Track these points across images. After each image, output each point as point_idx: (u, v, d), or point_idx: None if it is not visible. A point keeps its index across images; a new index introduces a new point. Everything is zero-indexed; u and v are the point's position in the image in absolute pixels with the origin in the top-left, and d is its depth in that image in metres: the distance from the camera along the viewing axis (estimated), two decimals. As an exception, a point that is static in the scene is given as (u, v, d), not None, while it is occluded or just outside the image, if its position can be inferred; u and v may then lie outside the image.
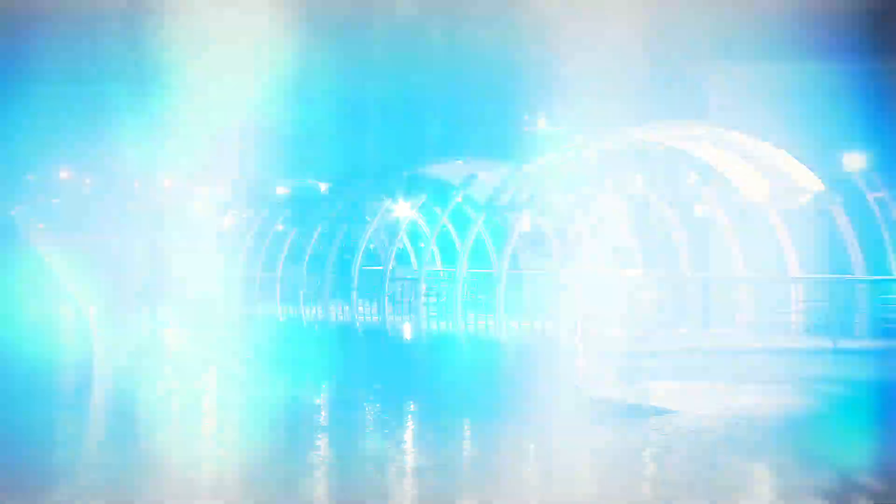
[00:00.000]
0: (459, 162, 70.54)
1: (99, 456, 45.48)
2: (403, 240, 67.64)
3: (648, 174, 68.33)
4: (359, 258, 68.04)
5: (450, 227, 63.54)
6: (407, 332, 59.45)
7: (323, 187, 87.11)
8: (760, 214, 59.33)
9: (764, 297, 56.58)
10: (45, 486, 38.67)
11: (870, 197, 54.25)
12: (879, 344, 48.92)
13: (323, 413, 55.82)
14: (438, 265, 62.55)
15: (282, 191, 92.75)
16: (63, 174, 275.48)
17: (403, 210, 66.94)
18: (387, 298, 63.58)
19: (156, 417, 54.13)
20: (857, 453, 42.75)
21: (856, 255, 54.32)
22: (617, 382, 47.65)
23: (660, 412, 47.03)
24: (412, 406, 53.28)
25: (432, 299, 58.96)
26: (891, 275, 52.28)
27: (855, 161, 54.73)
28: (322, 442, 49.31)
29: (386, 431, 50.52)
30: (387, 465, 44.50)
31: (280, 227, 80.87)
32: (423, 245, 65.90)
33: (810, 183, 55.87)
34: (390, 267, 65.17)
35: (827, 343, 48.48)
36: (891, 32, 72.49)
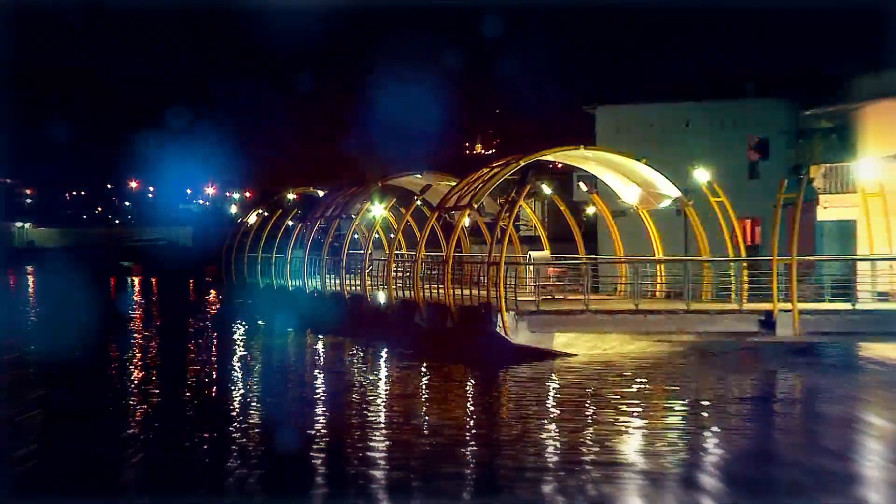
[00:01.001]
0: (418, 175, 70.99)
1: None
2: (378, 231, 67.86)
3: (554, 183, 69.06)
4: (346, 245, 68.42)
5: (412, 222, 63.83)
6: (381, 298, 59.85)
7: (321, 193, 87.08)
8: (633, 213, 59.83)
9: (637, 272, 56.78)
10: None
11: (712, 200, 54.66)
12: (717, 307, 49.29)
13: (309, 339, 56.94)
14: (404, 250, 62.75)
15: (291, 196, 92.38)
16: (134, 183, 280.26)
17: (378, 210, 67.30)
18: (367, 274, 63.98)
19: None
20: (689, 380, 43.79)
21: (703, 242, 54.73)
22: (532, 334, 48.17)
23: (561, 355, 47.88)
24: (383, 350, 53.71)
25: (399, 274, 59.28)
26: (727, 256, 52.73)
27: (702, 175, 54.99)
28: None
29: (362, 366, 51.72)
30: (359, 387, 45.47)
31: (290, 223, 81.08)
32: (392, 235, 66.07)
33: (670, 190, 56.21)
34: (368, 251, 65.63)
35: (682, 306, 48.76)
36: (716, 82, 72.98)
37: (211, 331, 72.55)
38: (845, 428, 36.23)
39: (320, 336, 61.79)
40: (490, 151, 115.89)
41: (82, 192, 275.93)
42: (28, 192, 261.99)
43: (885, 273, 49.95)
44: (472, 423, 38.22)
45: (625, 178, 59.17)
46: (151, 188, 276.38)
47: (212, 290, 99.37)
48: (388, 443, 34.36)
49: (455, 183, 62.02)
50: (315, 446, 33.67)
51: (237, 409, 41.04)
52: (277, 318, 72.00)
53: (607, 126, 67.30)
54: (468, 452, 32.68)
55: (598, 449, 33.04)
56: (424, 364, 49.16)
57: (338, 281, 68.16)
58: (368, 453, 32.78)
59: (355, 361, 53.86)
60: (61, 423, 37.99)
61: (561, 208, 68.48)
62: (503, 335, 47.72)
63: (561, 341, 48.69)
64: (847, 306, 48.34)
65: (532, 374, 44.83)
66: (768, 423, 37.42)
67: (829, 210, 59.75)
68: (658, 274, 56.58)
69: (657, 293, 55.61)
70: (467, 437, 35.09)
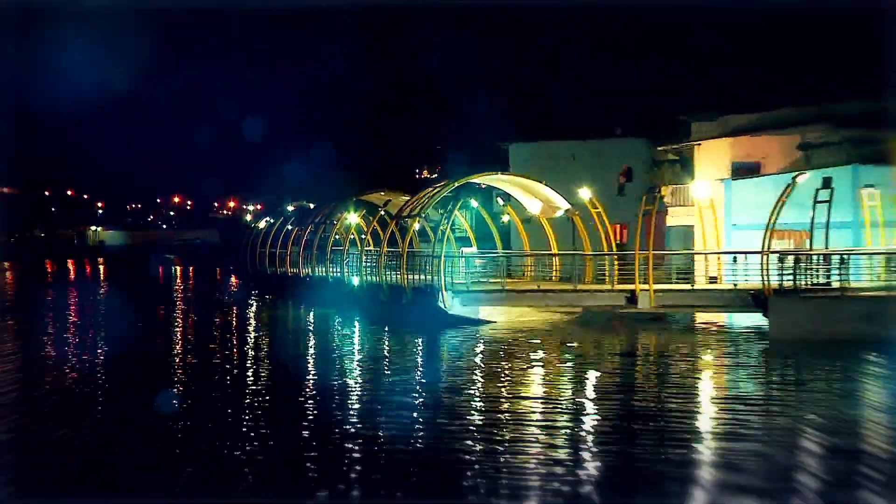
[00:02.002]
0: (382, 192, 71.36)
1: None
2: (353, 234, 68.05)
3: (480, 198, 69.35)
4: (329, 244, 68.73)
5: (377, 227, 64.07)
6: (355, 281, 60.23)
7: (311, 206, 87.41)
8: (536, 220, 60.24)
9: (539, 263, 57.35)
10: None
11: (592, 211, 55.22)
12: (595, 287, 49.91)
13: (302, 310, 57.54)
14: (372, 247, 62.95)
15: (290, 207, 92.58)
16: (177, 198, 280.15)
17: (353, 218, 67.50)
18: (345, 264, 64.36)
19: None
20: (576, 338, 44.41)
21: (586, 241, 55.23)
22: (463, 307, 48.73)
23: (485, 322, 48.36)
24: (356, 318, 54.06)
25: (368, 264, 59.75)
26: (603, 251, 53.14)
27: (585, 193, 55.61)
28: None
29: (341, 329, 52.13)
30: (338, 342, 46.17)
31: (289, 227, 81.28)
32: (363, 236, 66.30)
33: (562, 203, 56.81)
34: (346, 248, 65.88)
35: (570, 287, 49.26)
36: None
37: (232, 304, 72.96)
38: (686, 366, 37.41)
39: (311, 308, 62.18)
40: (434, 175, 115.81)
41: (139, 205, 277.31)
42: (99, 205, 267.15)
43: (714, 263, 51.03)
44: (419, 365, 39.59)
45: (529, 195, 59.71)
46: (189, 202, 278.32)
47: (232, 276, 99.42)
48: (360, 379, 35.86)
49: (408, 198, 62.32)
50: (309, 375, 35.59)
51: (254, 361, 41.98)
52: (279, 295, 72.81)
53: (517, 157, 67.79)
54: (416, 382, 34.27)
55: (508, 383, 34.18)
56: (386, 328, 49.53)
57: (323, 269, 68.85)
58: (347, 380, 34.73)
59: (336, 325, 54.41)
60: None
61: (484, 216, 69.16)
62: (443, 308, 48.24)
63: (484, 312, 49.20)
64: (687, 286, 49.36)
65: (464, 335, 45.03)
66: (632, 366, 38.50)
67: (675, 218, 60.61)
68: (554, 264, 57.08)
69: (553, 277, 56.18)
70: (418, 375, 36.41)
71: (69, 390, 33.52)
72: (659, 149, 66.91)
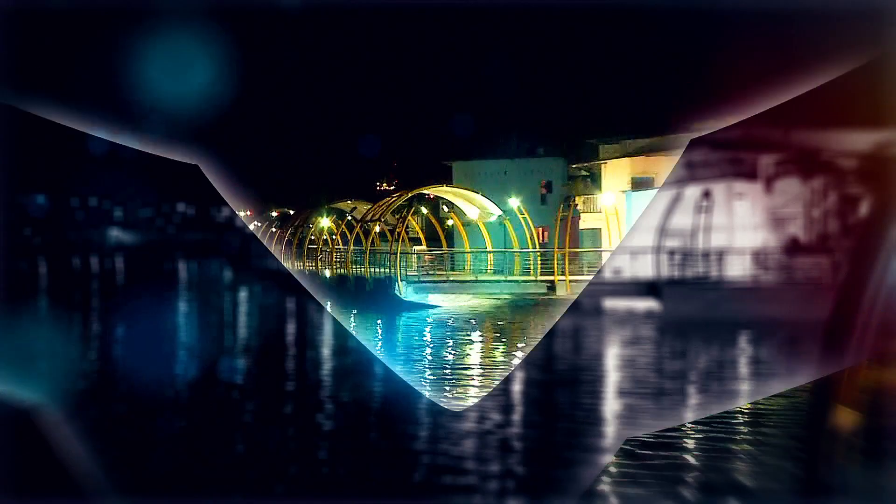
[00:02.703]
0: (349, 201, 71.09)
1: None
2: (325, 235, 67.77)
3: (429, 206, 69.21)
4: (306, 243, 68.43)
5: (345, 229, 63.86)
6: (327, 273, 59.98)
7: (291, 211, 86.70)
8: (475, 224, 60.16)
9: (476, 259, 57.28)
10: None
11: (520, 217, 55.27)
12: (522, 278, 49.98)
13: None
14: (340, 245, 62.70)
15: (274, 214, 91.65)
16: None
17: (325, 222, 67.27)
18: (319, 259, 64.10)
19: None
20: (507, 319, 44.49)
21: (515, 241, 55.27)
22: (416, 294, 48.62)
23: (433, 306, 48.25)
24: (328, 303, 53.86)
25: (337, 260, 59.61)
26: (528, 249, 53.22)
27: (514, 202, 55.64)
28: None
29: (315, 311, 51.13)
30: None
31: (273, 229, 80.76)
32: (334, 237, 65.94)
33: (496, 210, 56.83)
34: (319, 247, 65.64)
35: (502, 277, 49.41)
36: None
37: (229, 290, 72.66)
38: (595, 338, 37.49)
39: (290, 294, 61.88)
40: (392, 187, 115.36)
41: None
42: (118, 210, 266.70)
43: (621, 258, 51.07)
44: (380, 339, 39.54)
45: (469, 203, 59.72)
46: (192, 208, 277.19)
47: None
48: (332, 346, 35.67)
49: (370, 206, 62.53)
50: (290, 340, 35.05)
51: (246, 332, 41.81)
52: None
53: (459, 172, 67.54)
54: (377, 348, 34.42)
55: (452, 352, 34.39)
56: (352, 311, 49.48)
57: (301, 264, 68.34)
58: (322, 347, 34.26)
59: (310, 308, 54.24)
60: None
61: (432, 221, 69.25)
62: (399, 295, 48.31)
63: (432, 298, 49.26)
64: (598, 277, 49.54)
65: (416, 317, 45.24)
66: (551, 340, 38.47)
67: (586, 222, 60.72)
68: (488, 259, 57.21)
69: (488, 270, 56.26)
70: (378, 344, 36.50)
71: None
72: (573, 166, 67.05)
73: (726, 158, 61.35)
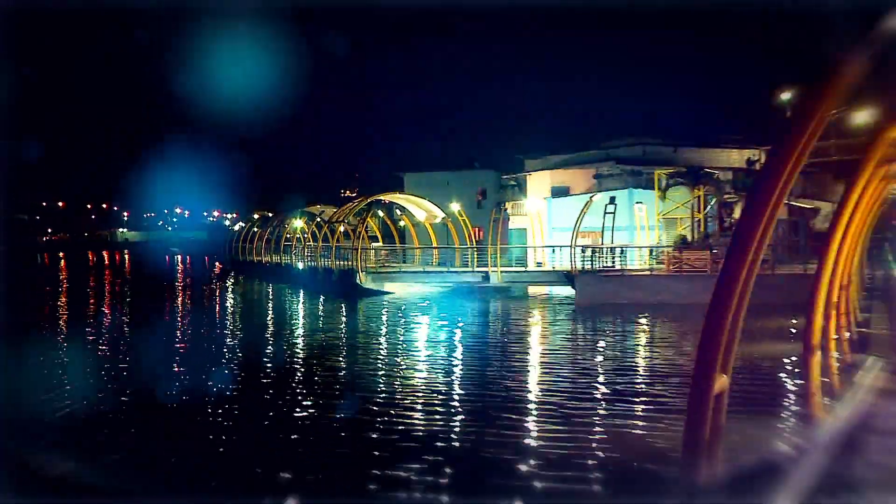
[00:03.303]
0: (318, 206, 70.94)
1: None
2: (298, 234, 67.36)
3: (385, 209, 69.00)
4: (282, 241, 68.03)
5: (315, 230, 63.54)
6: (300, 265, 59.66)
7: (270, 214, 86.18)
8: (423, 225, 60.07)
9: (424, 253, 57.21)
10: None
11: (460, 219, 55.36)
12: (462, 269, 50.04)
13: (263, 285, 57.84)
14: (311, 242, 62.32)
15: (256, 216, 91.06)
16: (178, 209, 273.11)
17: (298, 223, 66.89)
18: (293, 254, 63.72)
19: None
20: (449, 304, 44.39)
21: (455, 239, 55.22)
22: (374, 283, 48.54)
23: (388, 293, 48.19)
24: (300, 290, 53.56)
25: (309, 254, 59.24)
26: (467, 246, 53.21)
27: (455, 206, 55.71)
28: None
29: (290, 296, 51.60)
30: (288, 306, 45.77)
31: (255, 229, 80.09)
32: (305, 235, 65.54)
33: (440, 213, 56.90)
34: (294, 244, 65.25)
35: (446, 269, 49.35)
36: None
37: (218, 280, 71.98)
38: (522, 318, 37.83)
39: (269, 283, 61.57)
40: (354, 194, 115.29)
41: (153, 214, 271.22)
42: (125, 213, 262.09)
43: (540, 253, 51.60)
44: (344, 319, 39.54)
45: (418, 207, 59.77)
46: (187, 212, 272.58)
47: (217, 263, 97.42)
48: (301, 330, 35.65)
49: (336, 209, 62.35)
50: (269, 319, 35.18)
51: (233, 312, 41.60)
52: (250, 275, 71.97)
53: (410, 182, 67.19)
54: (342, 331, 34.07)
55: (402, 331, 34.45)
56: (321, 296, 49.25)
57: (278, 257, 68.03)
58: (294, 325, 34.33)
59: (287, 294, 53.96)
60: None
61: (388, 222, 69.24)
62: (360, 283, 48.22)
63: (389, 287, 49.24)
64: (523, 269, 49.92)
65: (374, 301, 45.03)
66: (485, 320, 38.80)
67: (514, 223, 61.06)
68: (434, 254, 57.17)
69: (434, 263, 56.25)
70: (341, 326, 36.40)
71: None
72: (504, 177, 67.44)
73: (628, 171, 62.06)
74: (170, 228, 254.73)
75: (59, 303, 51.22)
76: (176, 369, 24.90)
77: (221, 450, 15.80)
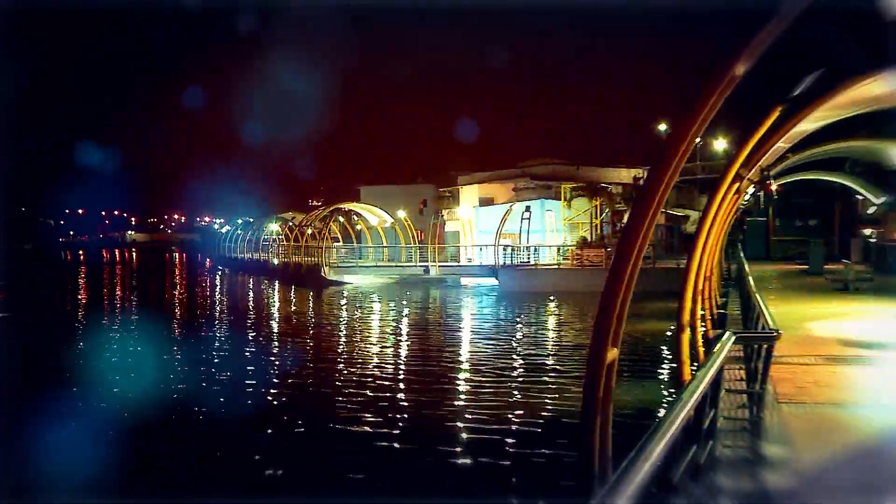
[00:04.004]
0: (290, 213, 70.06)
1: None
2: (274, 235, 66.45)
3: (344, 216, 68.29)
4: (261, 241, 67.15)
5: (287, 232, 62.67)
6: (275, 261, 58.79)
7: (251, 219, 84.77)
8: (376, 229, 59.66)
9: (376, 251, 56.90)
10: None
11: (405, 223, 55.13)
12: (407, 264, 49.90)
13: (245, 277, 56.92)
14: (285, 242, 61.48)
15: (240, 221, 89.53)
16: (176, 215, 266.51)
17: (274, 227, 66.11)
18: (269, 252, 62.83)
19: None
20: (398, 292, 44.16)
21: (402, 240, 54.95)
22: (336, 276, 48.17)
23: (348, 283, 47.85)
24: (276, 281, 52.84)
25: (282, 252, 58.43)
26: (411, 245, 53.05)
27: (401, 213, 55.50)
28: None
29: (266, 286, 50.43)
30: (265, 294, 45.00)
31: (238, 231, 78.78)
32: (280, 237, 64.58)
33: (389, 219, 56.59)
34: (270, 244, 64.38)
35: (394, 264, 49.21)
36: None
37: (209, 272, 70.73)
38: (455, 302, 37.88)
39: (250, 276, 60.65)
40: (319, 203, 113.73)
41: (155, 219, 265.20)
42: (133, 218, 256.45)
43: (470, 251, 51.58)
44: (311, 305, 39.10)
45: (372, 214, 59.30)
46: (183, 217, 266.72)
47: (208, 259, 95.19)
48: (276, 313, 35.20)
49: (305, 215, 61.58)
50: (250, 303, 34.56)
51: (220, 297, 40.92)
52: (234, 269, 70.81)
53: (365, 193, 65.97)
54: (308, 314, 33.72)
55: (359, 314, 34.32)
56: (292, 286, 48.61)
57: (258, 255, 67.07)
58: (271, 308, 33.78)
59: (263, 284, 53.18)
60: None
61: (347, 226, 68.64)
62: (325, 276, 47.84)
63: (348, 278, 48.81)
64: (456, 264, 50.02)
65: (336, 291, 44.52)
66: (426, 304, 38.75)
67: (449, 227, 60.90)
68: (384, 252, 56.87)
69: (384, 259, 55.95)
70: (308, 311, 35.98)
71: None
72: (440, 189, 67.26)
73: (541, 186, 62.21)
74: (169, 231, 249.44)
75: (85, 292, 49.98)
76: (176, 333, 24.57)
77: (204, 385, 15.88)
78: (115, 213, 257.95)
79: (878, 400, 8.42)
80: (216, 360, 21.64)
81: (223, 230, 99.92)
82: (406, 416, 14.71)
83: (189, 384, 17.88)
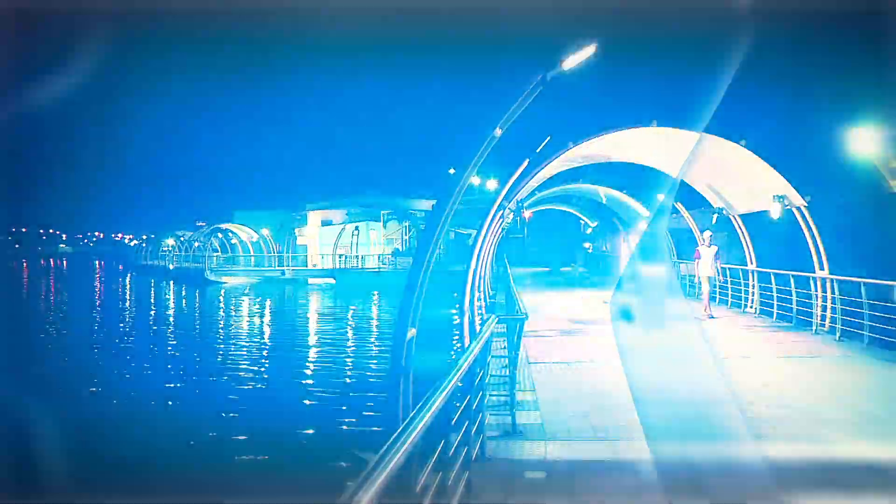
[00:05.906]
0: (182, 231, 63.74)
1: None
2: (168, 248, 60.72)
3: (222, 233, 63.57)
4: (160, 251, 60.75)
5: (180, 244, 57.52)
6: (170, 267, 53.58)
7: (153, 235, 76.37)
8: (245, 242, 56.25)
9: (247, 259, 53.63)
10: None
11: (269, 239, 52.61)
12: (273, 268, 47.38)
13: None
14: (178, 253, 56.41)
15: (145, 236, 79.76)
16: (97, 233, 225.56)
17: (171, 241, 60.03)
18: (167, 260, 57.10)
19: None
20: (267, 289, 41.61)
21: (266, 252, 52.35)
22: (215, 276, 44.86)
23: (224, 283, 44.72)
24: (169, 280, 48.11)
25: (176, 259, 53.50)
26: (274, 254, 50.56)
27: (266, 231, 52.71)
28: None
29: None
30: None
31: (144, 245, 70.24)
32: (174, 248, 59.16)
33: (255, 235, 53.63)
34: (167, 253, 58.59)
35: (259, 269, 46.67)
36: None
37: (121, 276, 62.55)
38: (303, 297, 36.30)
39: (151, 277, 54.34)
40: (203, 224, 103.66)
41: (81, 235, 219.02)
42: (64, 235, 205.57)
43: (317, 258, 49.89)
44: (196, 295, 35.43)
45: (242, 231, 55.76)
46: (101, 234, 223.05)
47: (120, 265, 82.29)
48: (170, 300, 31.93)
49: (193, 232, 56.57)
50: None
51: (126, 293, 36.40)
52: (141, 272, 63.35)
53: (238, 215, 61.39)
54: (195, 302, 30.91)
55: (232, 304, 31.99)
56: (183, 284, 44.08)
57: (158, 262, 60.55)
58: (167, 298, 30.60)
59: (162, 283, 47.94)
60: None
61: (224, 240, 63.91)
62: (207, 277, 44.00)
63: (224, 279, 44.65)
64: (305, 267, 48.08)
65: (216, 287, 40.87)
66: (281, 297, 36.74)
67: (300, 241, 57.83)
68: (252, 259, 53.56)
69: (252, 264, 52.51)
70: (196, 299, 32.80)
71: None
72: (293, 213, 64.09)
73: (367, 211, 61.12)
74: (91, 244, 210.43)
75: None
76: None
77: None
78: (51, 231, 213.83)
79: (592, 357, 9.05)
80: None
81: (132, 244, 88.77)
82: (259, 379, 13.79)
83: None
